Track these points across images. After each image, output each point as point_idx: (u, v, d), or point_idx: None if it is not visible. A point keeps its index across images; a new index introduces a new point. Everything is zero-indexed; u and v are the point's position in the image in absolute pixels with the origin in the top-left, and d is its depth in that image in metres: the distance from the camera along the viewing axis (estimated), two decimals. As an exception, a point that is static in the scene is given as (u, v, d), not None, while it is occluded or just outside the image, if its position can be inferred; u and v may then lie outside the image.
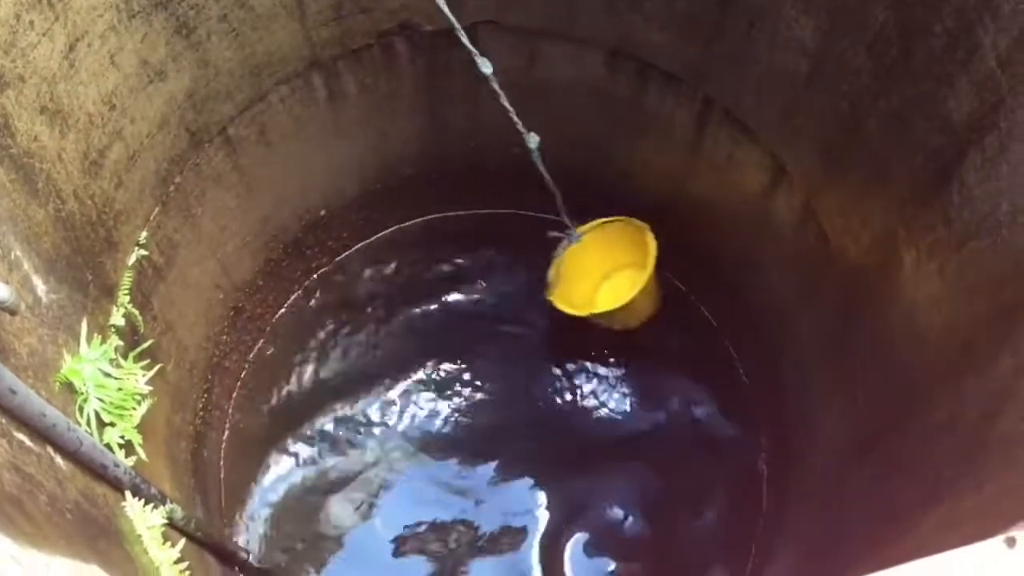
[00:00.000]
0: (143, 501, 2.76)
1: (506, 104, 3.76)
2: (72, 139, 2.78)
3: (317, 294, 5.05)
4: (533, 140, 3.96)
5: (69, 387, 2.61)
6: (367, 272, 5.11)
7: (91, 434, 2.60)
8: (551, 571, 4.42)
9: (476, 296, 5.08)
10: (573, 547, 4.48)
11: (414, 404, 4.83)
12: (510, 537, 4.52)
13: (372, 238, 5.17)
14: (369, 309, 5.03)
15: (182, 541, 2.91)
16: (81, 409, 2.63)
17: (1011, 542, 1.16)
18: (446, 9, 3.40)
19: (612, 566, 4.45)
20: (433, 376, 4.91)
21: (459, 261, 5.18)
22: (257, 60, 3.61)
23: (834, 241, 3.48)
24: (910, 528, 2.51)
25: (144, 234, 3.37)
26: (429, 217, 5.16)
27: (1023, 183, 2.32)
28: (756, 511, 4.46)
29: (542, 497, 4.61)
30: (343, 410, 4.79)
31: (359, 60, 3.94)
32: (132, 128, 3.12)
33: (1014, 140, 2.34)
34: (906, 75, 2.75)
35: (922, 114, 2.73)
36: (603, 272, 4.90)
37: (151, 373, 3.07)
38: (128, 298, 3.19)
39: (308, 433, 4.72)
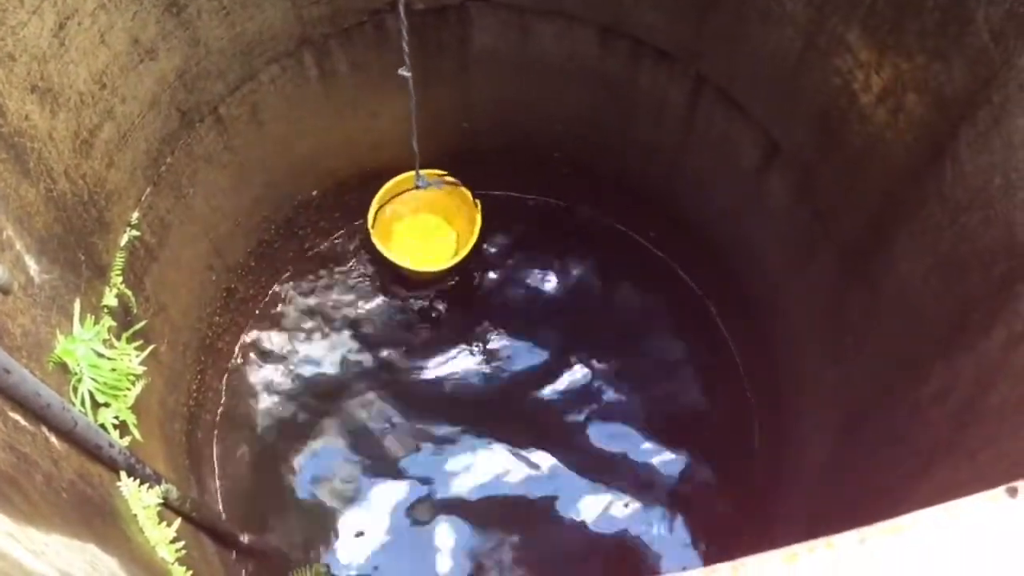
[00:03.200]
0: (138, 481, 2.76)
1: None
2: (63, 118, 2.76)
3: (309, 275, 5.05)
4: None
5: (63, 367, 2.60)
6: (360, 253, 5.10)
7: (85, 414, 2.59)
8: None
9: (471, 277, 5.08)
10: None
11: (403, 379, 4.85)
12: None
13: (364, 219, 5.15)
14: (361, 289, 5.03)
15: (178, 521, 2.92)
16: (75, 389, 2.63)
17: (1012, 492, 1.17)
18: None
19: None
20: (428, 350, 4.93)
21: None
22: (248, 39, 3.59)
23: (827, 217, 3.49)
24: (905, 498, 2.53)
25: (136, 214, 3.35)
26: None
27: (1016, 158, 2.32)
28: (750, 486, 4.49)
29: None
30: (336, 388, 4.81)
31: (350, 38, 3.92)
32: (123, 107, 3.10)
33: (1007, 114, 2.34)
34: (899, 50, 2.74)
35: (915, 89, 2.73)
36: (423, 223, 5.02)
37: (144, 354, 3.07)
38: (121, 279, 3.17)
39: (301, 413, 4.73)
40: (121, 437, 2.80)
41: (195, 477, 4.00)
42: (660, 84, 4.03)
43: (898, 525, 1.20)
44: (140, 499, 2.73)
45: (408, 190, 4.74)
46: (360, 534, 4.47)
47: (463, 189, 4.74)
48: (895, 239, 2.98)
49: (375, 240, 4.62)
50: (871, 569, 1.18)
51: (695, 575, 1.18)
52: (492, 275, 5.12)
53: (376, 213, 4.71)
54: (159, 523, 2.76)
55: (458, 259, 4.60)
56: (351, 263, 5.09)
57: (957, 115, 2.55)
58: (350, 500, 4.55)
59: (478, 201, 4.71)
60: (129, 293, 3.23)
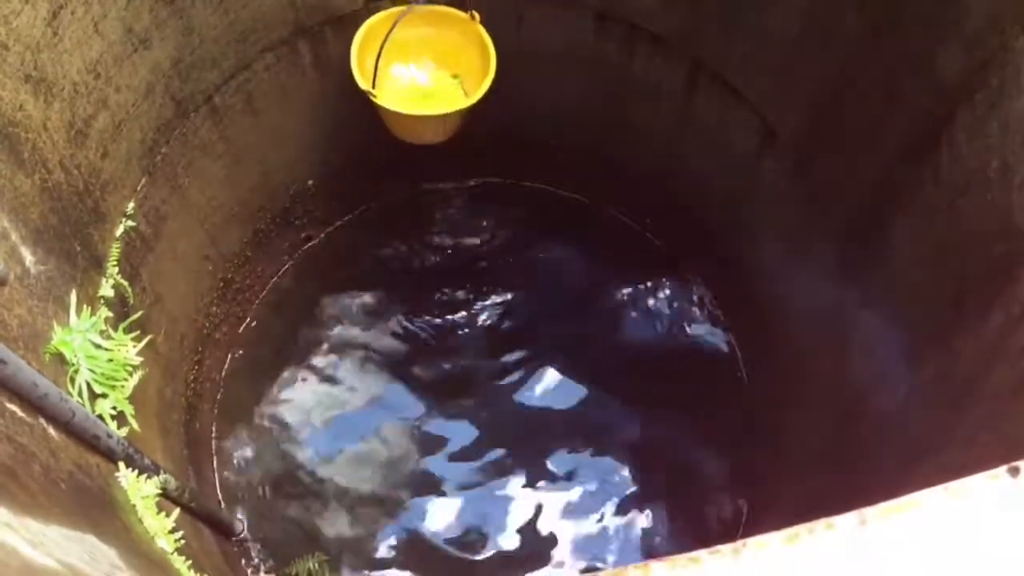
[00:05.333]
0: (136, 471, 2.76)
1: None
2: (57, 108, 2.75)
3: (305, 264, 5.04)
4: None
5: (60, 358, 2.60)
6: (356, 242, 5.09)
7: (83, 405, 2.59)
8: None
9: (468, 264, 5.07)
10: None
11: (402, 371, 4.84)
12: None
13: (360, 208, 5.15)
14: (357, 278, 5.02)
15: (176, 511, 2.92)
16: (72, 380, 2.63)
17: (1015, 471, 1.17)
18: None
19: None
20: (425, 341, 4.93)
21: (449, 231, 5.17)
22: (242, 27, 3.57)
23: (824, 203, 3.48)
24: (903, 485, 2.53)
25: (131, 205, 3.34)
26: (419, 187, 5.15)
27: (1013, 141, 2.32)
28: (749, 472, 4.50)
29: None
30: (333, 377, 4.80)
31: (345, 26, 3.90)
32: (117, 97, 3.08)
33: (1004, 98, 2.34)
34: (896, 34, 2.74)
35: (912, 73, 2.72)
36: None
37: (142, 344, 3.06)
38: (117, 269, 3.17)
39: (298, 403, 4.72)
40: (119, 427, 2.80)
41: (193, 467, 4.00)
42: (656, 69, 4.02)
43: (899, 505, 1.20)
44: (139, 489, 2.72)
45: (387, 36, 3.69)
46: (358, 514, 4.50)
47: (460, 14, 3.87)
48: (892, 224, 2.98)
49: (375, 98, 3.73)
50: (872, 549, 1.18)
51: (698, 556, 1.18)
52: (483, 263, 5.11)
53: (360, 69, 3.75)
54: (158, 513, 2.75)
55: (483, 90, 3.76)
56: (348, 252, 5.08)
57: (954, 99, 2.54)
58: (351, 489, 4.55)
59: (475, 14, 3.84)
60: (125, 284, 3.22)
